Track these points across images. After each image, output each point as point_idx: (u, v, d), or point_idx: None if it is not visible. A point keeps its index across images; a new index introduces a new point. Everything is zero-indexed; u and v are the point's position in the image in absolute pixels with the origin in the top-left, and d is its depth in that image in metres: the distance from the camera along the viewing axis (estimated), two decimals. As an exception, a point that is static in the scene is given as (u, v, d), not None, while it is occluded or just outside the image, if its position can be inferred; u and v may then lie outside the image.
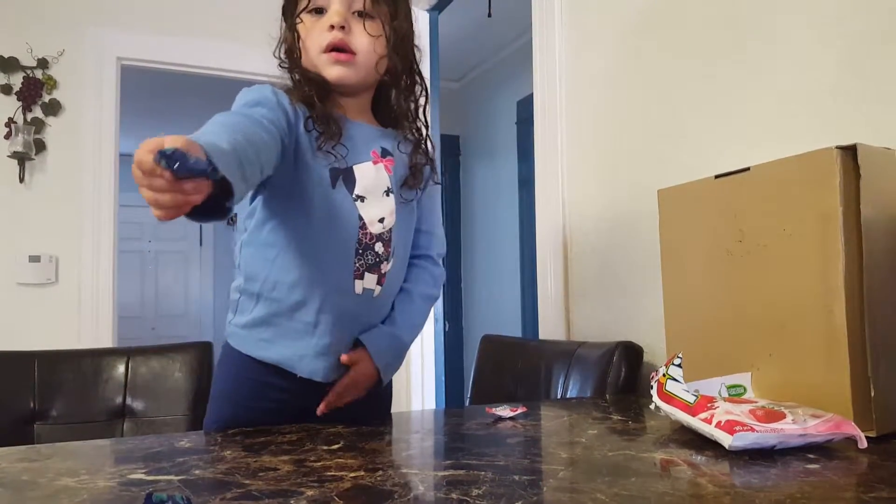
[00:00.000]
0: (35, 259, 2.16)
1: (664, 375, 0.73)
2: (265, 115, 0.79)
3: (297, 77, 0.89)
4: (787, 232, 0.72)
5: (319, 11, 0.88)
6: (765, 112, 1.05)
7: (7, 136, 2.14)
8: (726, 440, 0.60)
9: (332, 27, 0.86)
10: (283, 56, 0.91)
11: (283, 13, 0.93)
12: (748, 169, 0.78)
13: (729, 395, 0.75)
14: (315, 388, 0.88)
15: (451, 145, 4.08)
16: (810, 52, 0.97)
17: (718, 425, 0.62)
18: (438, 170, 1.02)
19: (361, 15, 0.88)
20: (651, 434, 0.74)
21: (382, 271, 0.90)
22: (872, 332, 0.67)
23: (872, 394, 0.66)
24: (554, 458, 0.64)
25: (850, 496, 0.51)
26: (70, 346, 1.57)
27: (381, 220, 0.89)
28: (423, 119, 0.97)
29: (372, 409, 0.94)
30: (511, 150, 3.54)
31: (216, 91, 2.10)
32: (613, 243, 1.39)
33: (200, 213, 0.58)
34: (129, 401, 1.35)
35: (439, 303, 2.43)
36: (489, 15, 2.91)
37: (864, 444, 0.61)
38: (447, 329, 3.12)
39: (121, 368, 1.36)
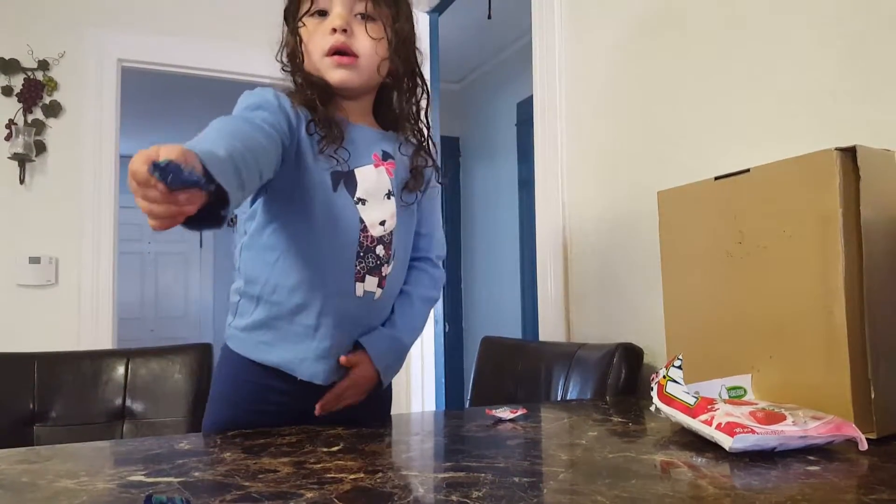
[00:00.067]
0: (35, 260, 2.16)
1: (664, 377, 0.73)
2: (266, 118, 0.79)
3: (299, 81, 0.89)
4: (787, 233, 0.72)
5: (322, 14, 0.88)
6: (764, 113, 1.05)
7: (7, 138, 2.14)
8: (726, 442, 0.60)
9: (335, 30, 0.86)
10: (285, 60, 0.91)
11: (285, 17, 0.92)
12: (748, 170, 0.78)
13: (729, 396, 0.75)
14: (315, 390, 0.88)
15: (451, 147, 4.08)
16: (810, 54, 0.97)
17: (719, 427, 0.62)
18: (440, 172, 1.02)
19: (363, 17, 0.88)
20: (651, 436, 0.74)
21: (383, 274, 0.90)
22: (872, 334, 0.67)
23: (873, 395, 0.66)
24: (554, 460, 0.64)
25: (850, 498, 0.51)
26: (70, 348, 1.57)
27: (382, 223, 0.89)
28: (424, 121, 0.97)
29: (372, 411, 0.94)
30: (511, 152, 3.54)
31: (217, 93, 2.10)
32: (613, 245, 1.39)
33: (196, 221, 0.58)
34: (128, 402, 1.34)
35: (439, 304, 2.43)
36: (489, 17, 2.91)
37: (864, 445, 0.61)
38: (447, 330, 3.12)
39: (120, 370, 1.36)
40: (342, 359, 0.88)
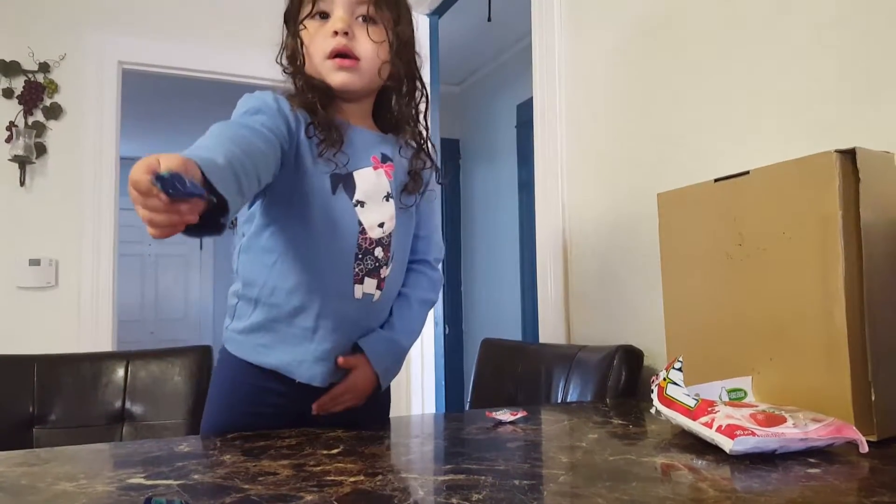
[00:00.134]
0: (35, 263, 2.16)
1: (665, 379, 0.73)
2: (265, 122, 0.79)
3: (300, 83, 0.89)
4: (787, 235, 0.72)
5: (323, 17, 0.88)
6: (764, 115, 1.05)
7: (8, 140, 2.14)
8: (727, 444, 0.60)
9: (336, 33, 0.86)
10: (285, 62, 0.91)
11: (286, 19, 0.92)
12: (748, 172, 0.78)
13: (729, 399, 0.75)
14: (313, 392, 0.88)
15: (451, 149, 4.08)
16: (809, 56, 0.98)
17: (719, 429, 0.62)
18: (440, 173, 1.02)
19: (365, 20, 0.88)
20: (652, 438, 0.74)
21: (382, 276, 0.90)
22: (873, 336, 0.67)
23: (873, 398, 0.66)
24: (554, 463, 0.64)
25: (851, 501, 0.51)
26: (69, 350, 1.57)
27: (381, 225, 0.89)
28: (423, 124, 0.97)
29: (370, 413, 0.94)
30: (511, 154, 3.54)
31: (217, 95, 2.10)
32: (613, 246, 1.39)
33: (196, 229, 0.59)
34: (128, 405, 1.34)
35: (439, 306, 2.43)
36: (489, 19, 2.92)
37: (865, 448, 0.60)
38: (447, 332, 3.12)
39: (120, 372, 1.36)
40: (340, 360, 0.88)
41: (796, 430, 0.61)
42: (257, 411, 0.87)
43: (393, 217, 0.90)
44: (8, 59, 2.17)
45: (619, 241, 1.37)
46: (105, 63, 2.28)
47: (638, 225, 1.30)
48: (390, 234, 0.90)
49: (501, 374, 1.41)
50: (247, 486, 0.54)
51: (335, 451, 0.68)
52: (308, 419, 0.87)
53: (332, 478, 0.57)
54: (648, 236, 1.14)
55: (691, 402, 0.69)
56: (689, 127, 1.20)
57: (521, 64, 3.07)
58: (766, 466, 0.58)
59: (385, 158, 0.91)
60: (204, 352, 1.42)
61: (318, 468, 0.60)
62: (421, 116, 0.97)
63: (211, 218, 0.59)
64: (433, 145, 0.99)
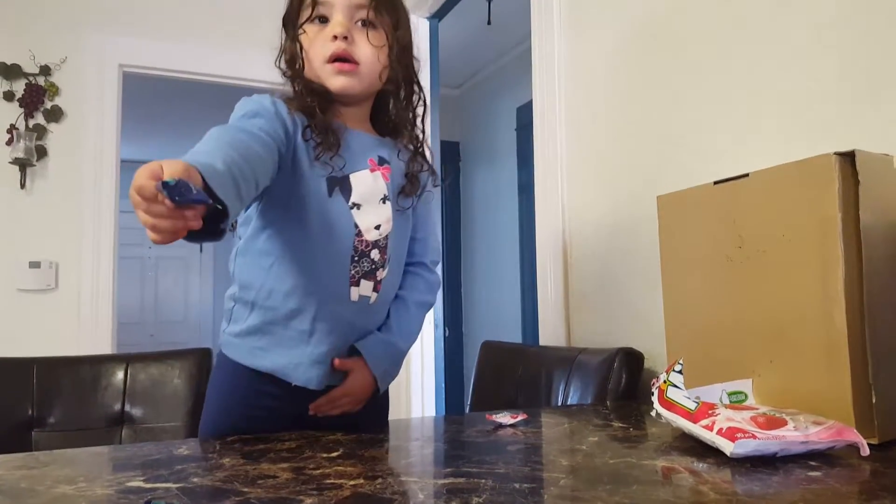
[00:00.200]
0: (35, 265, 2.16)
1: (665, 382, 0.73)
2: (262, 126, 0.79)
3: (298, 87, 0.89)
4: (787, 238, 0.72)
5: (323, 21, 0.88)
6: (764, 118, 1.05)
7: (9, 143, 2.15)
8: (728, 447, 0.60)
9: (336, 37, 0.86)
10: (284, 66, 0.91)
11: (285, 23, 0.93)
12: (747, 175, 0.78)
13: (730, 401, 0.75)
14: (310, 395, 0.88)
15: (451, 151, 4.09)
16: (809, 59, 0.98)
17: (720, 432, 0.62)
18: (438, 175, 1.02)
19: (364, 24, 0.88)
20: (652, 441, 0.74)
21: (378, 278, 0.90)
22: (873, 338, 0.67)
23: (874, 400, 0.66)
24: (555, 466, 0.64)
25: (852, 504, 0.51)
26: (69, 353, 1.57)
27: (378, 228, 0.89)
28: (420, 128, 0.97)
29: (369, 416, 0.94)
30: (511, 156, 3.54)
31: (217, 98, 2.10)
32: (613, 249, 1.39)
33: (195, 234, 0.59)
34: (127, 408, 1.34)
35: (439, 308, 2.43)
36: (489, 23, 2.93)
37: (866, 451, 0.60)
38: (447, 335, 3.12)
39: (120, 375, 1.36)
40: (336, 361, 0.87)
41: (797, 433, 0.60)
42: (255, 414, 0.87)
43: (390, 219, 0.90)
44: (9, 62, 2.17)
45: (619, 243, 1.37)
46: (105, 66, 2.29)
47: (638, 227, 1.30)
48: (387, 236, 0.90)
49: (501, 377, 1.41)
50: (246, 490, 0.54)
51: (335, 454, 0.67)
52: (306, 422, 0.87)
53: (332, 481, 0.56)
54: (648, 238, 1.14)
55: (692, 405, 0.69)
56: (689, 129, 1.20)
57: (520, 67, 3.07)
58: (767, 469, 0.58)
59: (382, 161, 0.91)
60: (203, 354, 1.42)
61: (318, 471, 0.60)
62: (418, 120, 0.97)
63: (210, 223, 0.60)
64: (430, 149, 0.99)
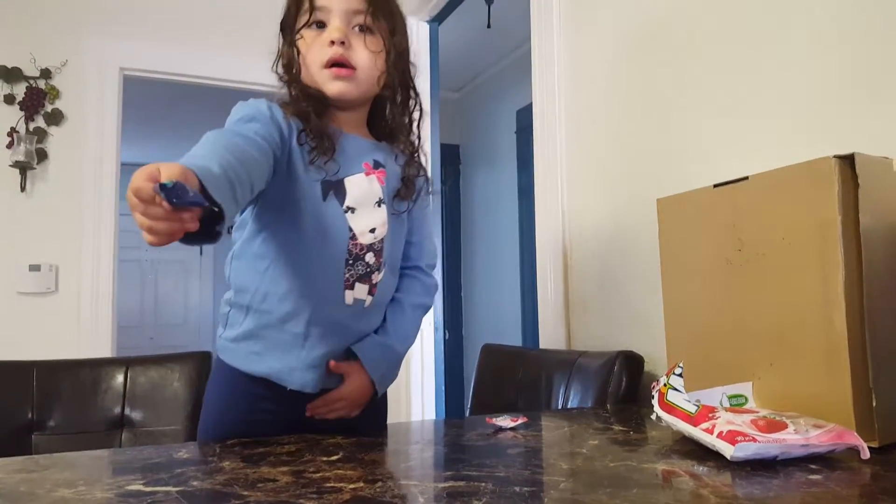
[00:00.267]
0: (35, 268, 2.16)
1: (665, 385, 0.73)
2: (258, 130, 0.80)
3: (295, 92, 0.89)
4: (787, 241, 0.72)
5: (320, 26, 0.89)
6: (763, 121, 1.05)
7: (9, 146, 2.15)
8: (728, 451, 0.60)
9: (333, 43, 0.86)
10: (281, 71, 0.92)
11: (282, 28, 0.93)
12: (747, 178, 0.78)
13: (730, 404, 0.75)
14: (308, 399, 0.88)
15: (451, 154, 4.09)
16: (808, 62, 0.98)
17: (720, 435, 0.62)
18: (438, 180, 1.02)
19: (362, 30, 0.89)
20: (652, 444, 0.74)
21: (373, 281, 0.90)
22: (873, 342, 0.67)
23: (874, 403, 0.66)
24: (555, 469, 0.64)
25: (852, 507, 0.51)
26: (69, 356, 1.56)
27: (373, 231, 0.89)
28: (416, 133, 0.97)
29: (368, 419, 0.94)
30: (511, 159, 3.55)
31: (218, 101, 2.10)
32: (613, 252, 1.39)
33: (191, 237, 0.59)
34: (127, 411, 1.34)
35: (439, 311, 2.43)
36: (488, 26, 2.93)
37: (866, 454, 0.60)
38: (447, 338, 3.12)
39: (119, 378, 1.36)
40: (332, 363, 0.88)
41: (797, 436, 0.60)
42: (252, 419, 0.87)
43: (385, 223, 0.91)
44: (9, 66, 2.18)
45: (618, 246, 1.37)
46: (106, 69, 2.29)
47: (638, 230, 1.30)
48: (382, 239, 0.90)
49: (502, 380, 1.41)
50: (246, 493, 0.54)
51: (335, 457, 0.67)
52: (304, 426, 0.86)
53: (332, 484, 0.56)
54: (648, 241, 1.14)
55: (692, 408, 0.69)
56: (689, 132, 1.20)
57: (520, 70, 3.08)
58: (768, 473, 0.58)
59: (377, 165, 0.91)
60: (203, 357, 1.42)
61: (318, 475, 0.60)
62: (414, 125, 0.97)
63: (207, 225, 0.60)
64: (425, 154, 0.99)
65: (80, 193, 2.23)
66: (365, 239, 0.88)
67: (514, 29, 2.96)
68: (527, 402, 1.31)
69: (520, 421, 0.85)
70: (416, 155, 0.96)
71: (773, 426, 0.62)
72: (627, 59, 1.36)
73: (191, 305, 5.83)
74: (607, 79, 1.43)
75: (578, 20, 1.53)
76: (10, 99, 2.17)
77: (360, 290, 0.89)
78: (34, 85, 2.20)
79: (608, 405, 1.11)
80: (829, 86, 0.95)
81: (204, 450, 0.75)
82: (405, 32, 0.94)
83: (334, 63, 0.87)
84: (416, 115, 0.97)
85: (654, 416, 0.74)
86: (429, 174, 1.00)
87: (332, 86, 0.87)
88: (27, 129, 2.18)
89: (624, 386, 1.13)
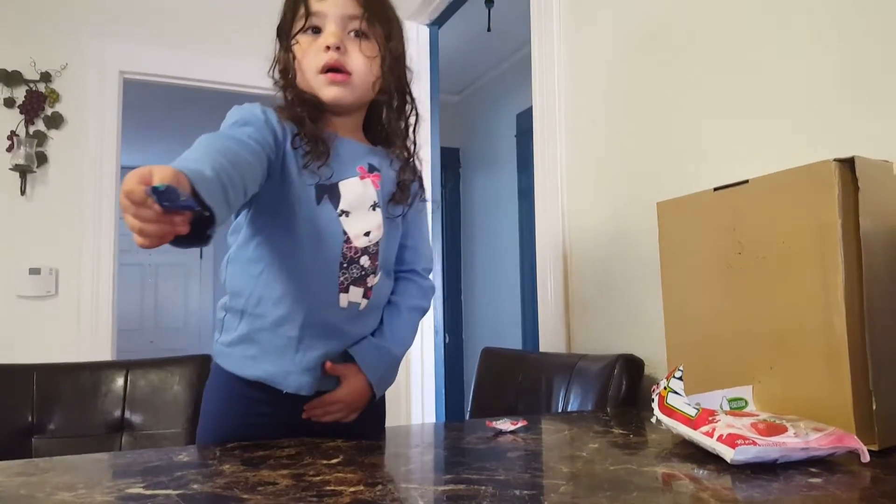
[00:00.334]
0: (35, 271, 2.16)
1: (665, 388, 0.73)
2: (252, 134, 0.80)
3: (290, 97, 0.89)
4: (787, 244, 0.73)
5: (315, 31, 0.89)
6: (763, 124, 1.05)
7: (9, 149, 2.15)
8: (728, 454, 0.60)
9: (328, 48, 0.87)
10: (277, 76, 0.92)
11: (279, 33, 0.93)
12: (747, 181, 0.78)
13: (730, 408, 0.75)
14: (305, 401, 0.89)
15: (451, 158, 4.09)
16: (809, 65, 0.98)
17: (720, 439, 0.62)
18: (438, 183, 1.03)
19: (357, 35, 0.89)
20: (653, 448, 0.74)
21: (369, 285, 0.90)
22: (873, 345, 0.67)
23: (874, 407, 0.66)
24: (555, 473, 0.64)
25: (853, 511, 0.51)
26: (69, 359, 1.57)
27: (367, 234, 0.89)
28: (412, 139, 0.97)
29: (366, 422, 0.94)
30: (510, 163, 3.55)
31: (217, 104, 2.11)
32: (613, 255, 1.39)
33: (182, 239, 0.60)
34: (127, 414, 1.34)
35: (439, 314, 2.43)
36: (489, 29, 2.94)
37: (866, 457, 0.60)
38: (447, 341, 3.11)
39: (120, 381, 1.36)
40: (328, 365, 0.88)
41: (797, 440, 0.60)
42: (250, 422, 0.87)
43: (380, 226, 0.91)
44: (9, 69, 2.18)
45: (619, 249, 1.37)
46: (106, 72, 2.30)
47: (638, 233, 1.30)
48: (377, 243, 0.90)
49: (502, 383, 1.41)
50: (246, 496, 0.54)
51: (335, 460, 0.67)
52: (303, 428, 0.86)
53: (332, 488, 0.56)
54: (648, 245, 1.14)
55: (692, 412, 0.69)
56: (689, 135, 1.20)
57: (520, 73, 3.08)
58: (768, 476, 0.58)
59: (372, 168, 0.92)
60: (203, 361, 1.42)
61: (318, 478, 0.60)
62: (410, 130, 0.97)
63: (198, 228, 0.60)
64: (420, 160, 0.99)
65: (81, 197, 2.23)
66: (359, 242, 0.88)
67: (515, 32, 2.97)
68: (527, 406, 1.30)
69: (520, 424, 0.85)
70: (411, 160, 0.97)
71: (773, 429, 0.62)
72: (627, 61, 1.37)
73: (191, 309, 5.83)
74: (607, 81, 1.43)
75: (578, 22, 1.53)
76: (10, 102, 2.17)
77: (355, 294, 0.89)
78: (34, 88, 2.20)
79: (608, 408, 1.11)
80: (830, 87, 0.95)
81: (204, 453, 0.75)
82: (401, 37, 0.94)
83: (329, 68, 0.87)
84: (412, 119, 0.97)
85: (654, 420, 0.74)
86: (424, 180, 1.00)
87: (328, 91, 0.88)
88: (27, 132, 2.18)
89: (624, 389, 1.13)
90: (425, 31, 2.39)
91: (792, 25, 1.01)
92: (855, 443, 0.61)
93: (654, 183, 1.27)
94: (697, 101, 1.18)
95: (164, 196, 0.53)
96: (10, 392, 1.31)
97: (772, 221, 0.75)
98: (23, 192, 2.17)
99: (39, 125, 2.21)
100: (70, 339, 2.18)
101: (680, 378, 0.73)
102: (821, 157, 0.69)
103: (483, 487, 0.56)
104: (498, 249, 3.70)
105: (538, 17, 1.64)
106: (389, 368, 0.95)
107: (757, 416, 0.67)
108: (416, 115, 0.98)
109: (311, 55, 0.88)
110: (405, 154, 0.96)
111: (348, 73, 0.88)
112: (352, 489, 0.56)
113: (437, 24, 2.41)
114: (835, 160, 0.68)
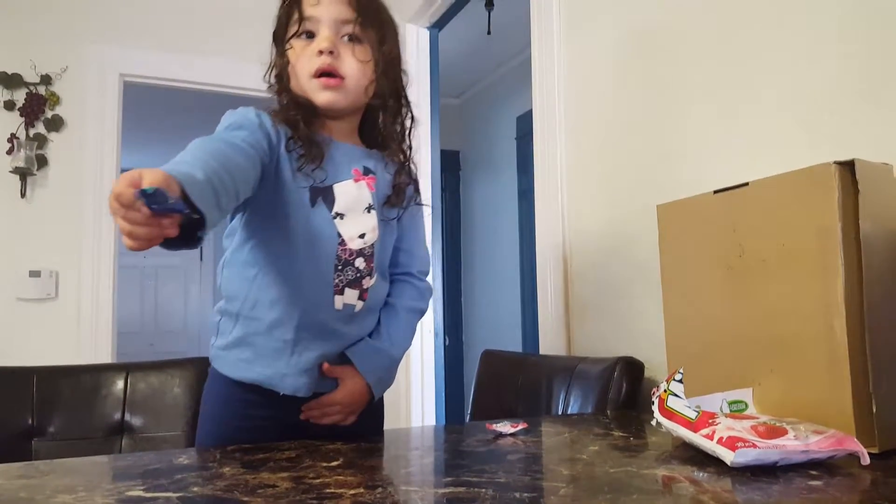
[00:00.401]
0: (35, 274, 2.16)
1: (665, 391, 0.73)
2: (245, 138, 0.80)
3: (285, 101, 0.90)
4: (787, 247, 0.73)
5: (309, 36, 0.89)
6: (763, 127, 1.05)
7: (9, 152, 2.15)
8: (728, 456, 0.60)
9: (322, 52, 0.87)
10: (273, 80, 0.92)
11: (274, 38, 0.94)
12: (747, 184, 0.78)
13: (730, 410, 0.75)
14: (302, 403, 0.89)
15: (451, 160, 4.10)
16: (808, 68, 0.98)
17: (720, 441, 0.62)
18: (438, 186, 1.03)
19: (350, 39, 0.89)
20: (653, 450, 0.74)
21: (364, 287, 0.90)
22: (873, 348, 0.67)
23: (874, 410, 0.66)
24: (555, 475, 0.64)
25: (853, 513, 0.51)
26: (69, 362, 1.57)
27: (362, 236, 0.89)
28: (408, 143, 0.98)
29: (365, 424, 0.94)
30: (511, 165, 3.56)
31: (217, 107, 2.11)
32: (614, 258, 1.39)
33: (172, 242, 0.60)
34: (127, 417, 1.34)
35: (439, 317, 2.43)
36: (489, 32, 2.94)
37: (866, 460, 0.60)
38: (447, 343, 3.11)
39: (119, 384, 1.36)
40: (325, 366, 0.88)
41: (797, 442, 0.60)
42: (249, 425, 0.87)
43: (375, 228, 0.91)
44: (10, 72, 2.19)
45: (619, 252, 1.37)
46: (106, 75, 2.30)
47: (638, 236, 1.30)
48: (373, 245, 0.91)
49: (502, 386, 1.41)
50: (246, 499, 0.54)
51: (335, 463, 0.67)
52: (300, 430, 0.86)
53: (332, 490, 0.56)
54: (648, 247, 1.14)
55: (692, 414, 0.69)
56: (689, 138, 1.20)
57: (520, 76, 3.09)
58: (768, 479, 0.58)
59: (367, 171, 0.92)
60: (203, 363, 1.41)
61: (318, 481, 0.60)
62: (406, 134, 0.97)
63: (188, 231, 0.61)
64: (415, 164, 0.99)
65: (81, 199, 2.23)
66: (354, 244, 0.88)
67: (515, 35, 2.98)
68: (527, 408, 1.30)
69: (520, 427, 0.85)
70: (407, 163, 0.97)
71: (774, 432, 0.62)
72: (627, 65, 1.37)
73: (191, 312, 5.83)
74: (607, 85, 1.43)
75: (579, 26, 1.53)
76: (10, 105, 2.18)
77: (350, 296, 0.89)
78: (34, 91, 2.20)
79: (608, 411, 1.11)
80: (830, 89, 0.95)
81: (204, 456, 0.75)
82: (396, 41, 0.95)
83: (322, 73, 0.87)
84: (407, 123, 0.97)
85: (654, 422, 0.74)
86: (420, 183, 1.01)
87: (321, 95, 0.88)
88: (27, 135, 2.19)
89: (624, 392, 1.13)
90: (425, 35, 2.39)
91: (792, 28, 1.01)
92: (855, 445, 0.61)
93: (654, 185, 1.28)
94: (697, 104, 1.19)
95: (152, 199, 0.54)
96: (10, 394, 1.31)
97: (772, 224, 0.75)
98: (23, 195, 2.17)
99: (40, 128, 2.21)
100: (70, 341, 2.18)
101: (680, 381, 0.73)
102: (821, 159, 0.69)
103: (483, 490, 0.56)
104: (498, 252, 3.71)
105: (538, 21, 1.64)
106: (387, 370, 0.95)
107: (757, 418, 0.67)
108: (412, 118, 0.98)
109: (304, 59, 0.88)
110: (401, 157, 0.96)
111: (341, 78, 0.88)
112: (352, 492, 0.56)
113: (437, 27, 2.42)
114: (835, 163, 0.68)
